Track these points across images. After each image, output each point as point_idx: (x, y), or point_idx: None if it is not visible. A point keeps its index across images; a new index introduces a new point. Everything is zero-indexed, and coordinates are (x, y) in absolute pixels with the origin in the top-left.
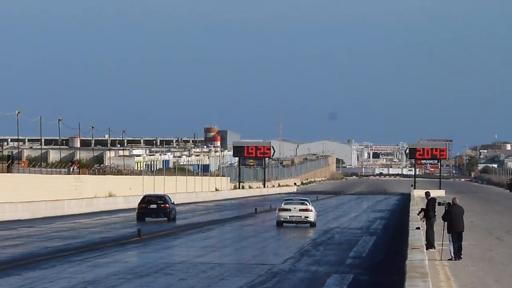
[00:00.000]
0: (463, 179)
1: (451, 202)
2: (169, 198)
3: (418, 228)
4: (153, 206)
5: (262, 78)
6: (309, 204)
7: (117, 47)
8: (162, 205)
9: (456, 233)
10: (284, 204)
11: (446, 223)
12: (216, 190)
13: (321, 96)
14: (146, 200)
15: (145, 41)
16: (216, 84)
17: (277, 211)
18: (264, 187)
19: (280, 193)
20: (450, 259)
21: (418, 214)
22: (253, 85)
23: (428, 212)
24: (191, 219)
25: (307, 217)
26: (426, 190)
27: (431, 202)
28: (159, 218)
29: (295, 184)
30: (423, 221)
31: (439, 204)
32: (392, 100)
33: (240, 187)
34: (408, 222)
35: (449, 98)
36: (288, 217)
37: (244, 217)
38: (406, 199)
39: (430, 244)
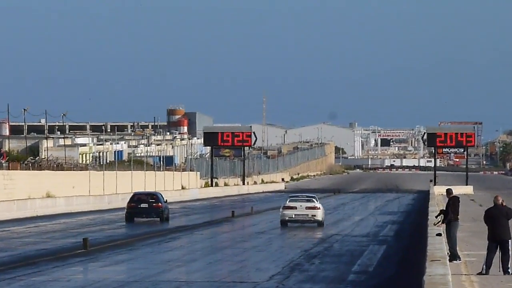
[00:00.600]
0: (496, 172)
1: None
2: (162, 196)
3: (440, 234)
4: (144, 205)
5: (240, 47)
6: (317, 201)
7: (57, 10)
8: (154, 204)
9: (495, 241)
10: (289, 201)
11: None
12: (183, 188)
13: (316, 69)
14: (136, 198)
15: (92, 5)
16: (182, 57)
17: (281, 209)
18: (244, 184)
19: (264, 192)
20: (480, 273)
21: (436, 217)
22: (228, 56)
23: (448, 215)
24: (150, 225)
25: (315, 215)
26: (447, 187)
27: (452, 201)
28: (151, 219)
29: (283, 180)
30: (439, 226)
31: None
32: (406, 74)
33: (213, 185)
34: (427, 227)
35: (478, 71)
36: (293, 216)
37: (218, 223)
38: (424, 198)
39: (453, 255)
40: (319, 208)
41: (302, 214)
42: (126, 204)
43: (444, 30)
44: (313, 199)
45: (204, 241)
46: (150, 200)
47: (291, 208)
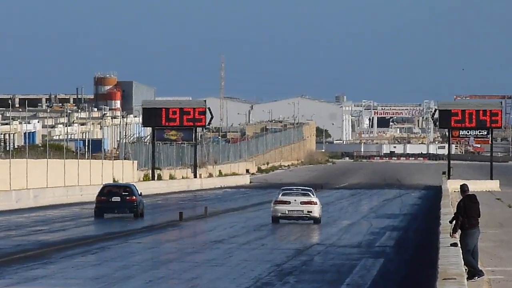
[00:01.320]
0: None
1: None
2: (136, 189)
3: (455, 244)
4: (116, 198)
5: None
6: (313, 195)
7: None
8: (127, 198)
9: None
10: (281, 195)
11: None
12: (115, 182)
13: (291, 27)
14: (106, 191)
15: None
16: (114, 11)
17: (272, 204)
18: (195, 177)
19: (222, 187)
20: None
21: (451, 222)
22: (175, 11)
23: (458, 220)
24: (71, 231)
25: (311, 211)
26: (462, 182)
27: (463, 203)
28: (124, 214)
29: (247, 171)
30: (453, 236)
31: None
32: (411, 33)
33: (155, 178)
34: (438, 234)
35: (504, 30)
36: (286, 212)
37: (161, 228)
38: (434, 196)
39: (472, 272)
40: (316, 203)
41: (297, 210)
42: (95, 197)
43: None
44: (309, 192)
45: (142, 252)
46: (123, 193)
47: (284, 203)
